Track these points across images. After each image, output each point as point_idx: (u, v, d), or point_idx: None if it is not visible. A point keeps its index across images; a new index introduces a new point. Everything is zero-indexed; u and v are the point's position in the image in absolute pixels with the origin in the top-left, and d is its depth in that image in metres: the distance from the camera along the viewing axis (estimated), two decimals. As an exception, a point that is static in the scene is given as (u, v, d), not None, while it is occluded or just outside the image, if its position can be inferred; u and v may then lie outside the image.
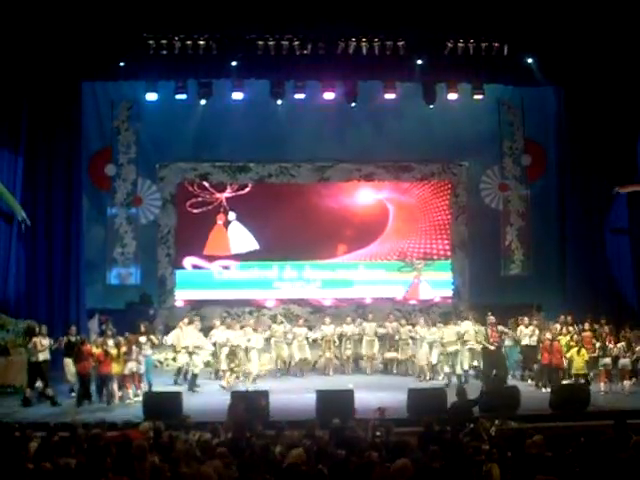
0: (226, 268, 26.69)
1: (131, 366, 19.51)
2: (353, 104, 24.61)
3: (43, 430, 12.75)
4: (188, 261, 26.59)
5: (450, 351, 21.55)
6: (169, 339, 21.70)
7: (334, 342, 23.05)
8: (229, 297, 26.54)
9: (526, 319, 22.02)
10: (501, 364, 20.96)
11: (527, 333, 21.54)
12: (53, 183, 23.89)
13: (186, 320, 22.09)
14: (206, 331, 22.02)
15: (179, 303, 26.39)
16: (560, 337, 21.13)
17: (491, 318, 21.43)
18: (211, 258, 26.66)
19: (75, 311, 23.68)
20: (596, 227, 25.74)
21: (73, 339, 19.93)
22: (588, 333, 21.49)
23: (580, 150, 25.66)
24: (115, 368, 19.25)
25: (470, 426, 12.62)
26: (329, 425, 12.27)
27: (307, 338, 22.92)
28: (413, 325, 23.30)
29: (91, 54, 22.75)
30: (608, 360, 20.44)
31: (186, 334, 21.43)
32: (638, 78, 24.25)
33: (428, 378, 21.71)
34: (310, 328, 23.54)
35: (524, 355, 21.96)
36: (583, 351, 20.45)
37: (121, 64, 23.02)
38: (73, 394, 19.55)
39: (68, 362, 19.66)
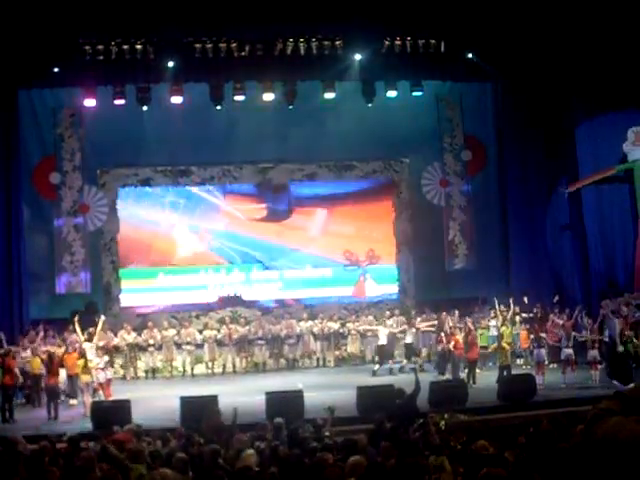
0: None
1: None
2: (291, 106, 24.66)
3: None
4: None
5: None
6: None
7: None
8: (175, 301, 26.44)
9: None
10: None
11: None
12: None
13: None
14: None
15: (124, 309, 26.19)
16: (503, 328, 21.47)
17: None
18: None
19: (19, 322, 23.41)
20: (537, 219, 26.15)
21: None
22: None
23: (519, 144, 26.04)
24: (84, 377, 19.34)
25: (420, 421, 12.70)
26: (278, 426, 12.27)
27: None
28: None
29: (26, 62, 22.48)
30: (570, 350, 20.70)
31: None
32: (574, 74, 24.65)
33: None
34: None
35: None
36: (505, 343, 20.77)
37: (57, 70, 22.77)
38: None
39: None
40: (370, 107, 25.25)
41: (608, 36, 23.47)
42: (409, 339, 23.64)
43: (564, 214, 26.31)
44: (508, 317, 21.84)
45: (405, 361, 23.27)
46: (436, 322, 23.63)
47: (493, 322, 22.67)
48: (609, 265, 25.86)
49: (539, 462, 7.88)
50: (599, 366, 20.73)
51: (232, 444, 10.98)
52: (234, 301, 26.64)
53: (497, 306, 22.02)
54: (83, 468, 8.72)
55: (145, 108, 24.00)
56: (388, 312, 25.25)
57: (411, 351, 23.56)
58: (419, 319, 24.40)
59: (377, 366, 22.90)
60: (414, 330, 23.82)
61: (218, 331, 24.74)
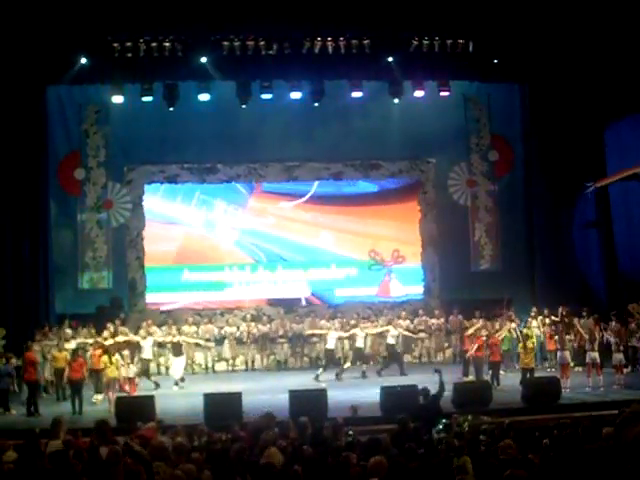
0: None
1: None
2: (316, 104, 24.62)
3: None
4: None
5: None
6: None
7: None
8: (200, 299, 26.50)
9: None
10: None
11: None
12: (20, 189, 23.76)
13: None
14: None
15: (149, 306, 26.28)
16: (526, 330, 21.26)
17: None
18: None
19: (44, 316, 23.56)
20: (564, 221, 26.05)
21: None
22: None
23: (546, 145, 25.89)
24: (111, 372, 19.38)
25: (443, 422, 12.66)
26: (302, 425, 12.25)
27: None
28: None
29: (55, 58, 22.61)
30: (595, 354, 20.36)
31: None
32: (602, 74, 24.46)
33: None
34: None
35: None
36: (530, 345, 20.51)
37: (86, 67, 22.89)
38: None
39: None
40: (397, 106, 25.23)
41: (637, 38, 23.27)
42: (359, 343, 23.37)
43: (591, 216, 26.16)
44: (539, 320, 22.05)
45: (349, 364, 23.03)
46: (387, 326, 23.70)
47: (513, 325, 22.47)
48: (637, 267, 25.60)
49: (564, 465, 7.85)
50: (625, 370, 20.57)
51: (261, 442, 10.98)
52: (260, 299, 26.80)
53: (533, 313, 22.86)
54: (108, 463, 8.77)
55: (171, 104, 24.00)
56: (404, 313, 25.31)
57: (360, 355, 23.28)
58: (371, 323, 24.37)
59: (321, 370, 22.32)
60: (364, 334, 23.55)
61: (238, 328, 24.82)
